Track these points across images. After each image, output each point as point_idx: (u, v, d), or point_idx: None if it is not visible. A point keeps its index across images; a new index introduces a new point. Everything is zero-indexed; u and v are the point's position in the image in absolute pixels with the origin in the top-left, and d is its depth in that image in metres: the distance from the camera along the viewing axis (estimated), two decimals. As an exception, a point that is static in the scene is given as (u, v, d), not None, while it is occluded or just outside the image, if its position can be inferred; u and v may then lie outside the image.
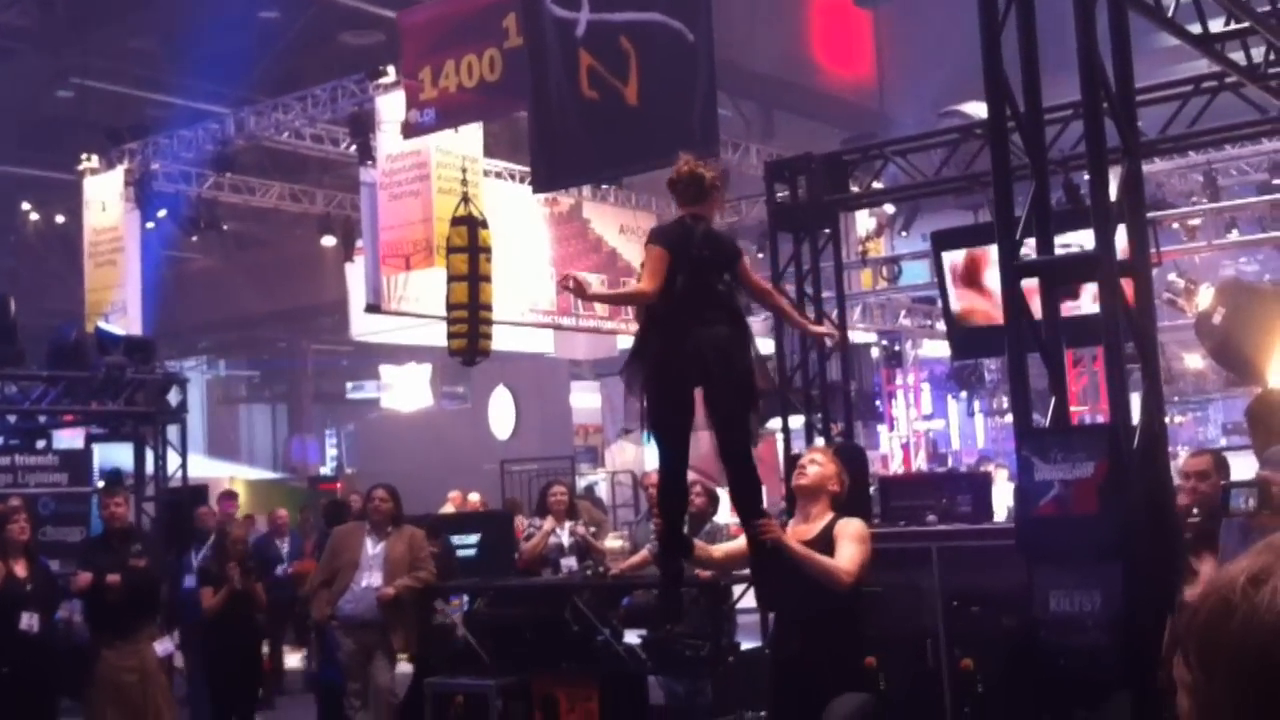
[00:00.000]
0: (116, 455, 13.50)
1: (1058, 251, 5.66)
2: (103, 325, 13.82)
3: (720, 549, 6.26)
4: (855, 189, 10.77)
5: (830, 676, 5.43)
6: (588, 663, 8.86)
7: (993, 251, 9.80)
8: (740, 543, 6.21)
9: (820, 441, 9.53)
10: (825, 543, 5.52)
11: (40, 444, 13.08)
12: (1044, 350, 5.49)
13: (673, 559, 5.88)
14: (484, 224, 13.34)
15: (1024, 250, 5.64)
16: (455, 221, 13.27)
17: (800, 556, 5.44)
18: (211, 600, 8.88)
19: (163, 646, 8.72)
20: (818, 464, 5.80)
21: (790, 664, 5.62)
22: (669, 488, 5.76)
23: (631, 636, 9.01)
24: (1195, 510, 6.09)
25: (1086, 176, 6.60)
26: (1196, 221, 15.13)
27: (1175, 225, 15.08)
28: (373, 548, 9.04)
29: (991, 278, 9.93)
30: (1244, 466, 7.41)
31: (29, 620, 8.07)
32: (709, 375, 5.45)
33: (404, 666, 9.38)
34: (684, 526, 5.96)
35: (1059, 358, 5.54)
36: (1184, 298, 16.59)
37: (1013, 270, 5.55)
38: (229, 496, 14.75)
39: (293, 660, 13.95)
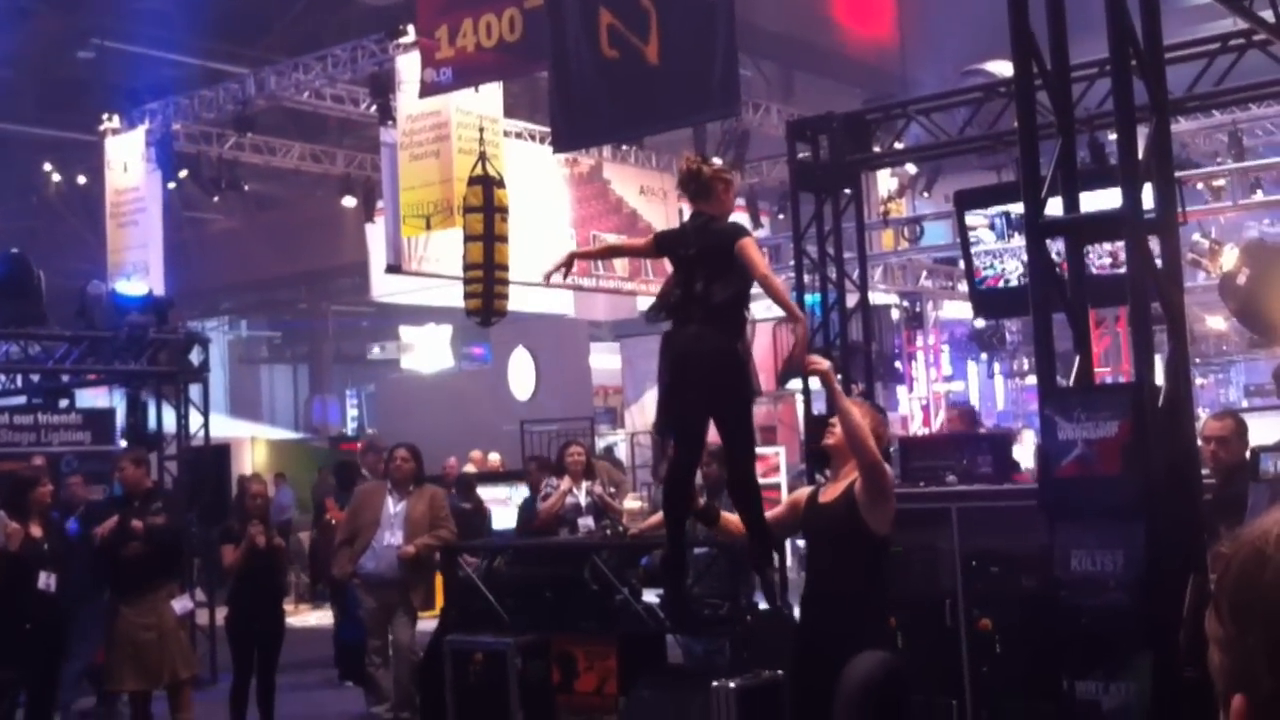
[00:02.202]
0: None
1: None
2: (119, 286, 13.84)
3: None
4: (877, 149, 10.69)
5: (854, 644, 5.18)
6: (606, 622, 8.87)
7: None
8: (773, 512, 6.18)
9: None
10: (848, 499, 5.31)
11: (63, 403, 13.15)
12: (1069, 309, 5.45)
13: (675, 577, 6.00)
14: (500, 183, 13.28)
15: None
16: (472, 181, 13.23)
17: (842, 407, 5.33)
18: (232, 558, 8.87)
19: (181, 605, 8.76)
20: None
21: (813, 630, 5.47)
22: (670, 488, 5.81)
23: (650, 596, 9.02)
24: (1211, 474, 6.07)
25: (1112, 136, 6.55)
26: (1221, 182, 15.01)
27: (1200, 185, 14.96)
28: (394, 506, 9.08)
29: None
30: (1266, 427, 7.38)
31: (46, 579, 8.14)
32: (683, 378, 5.50)
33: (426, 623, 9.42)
34: (685, 539, 6.02)
35: (1083, 317, 5.50)
36: (1208, 258, 16.48)
37: (1038, 228, 5.50)
38: (373, 450, 14.30)
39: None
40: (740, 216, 20.12)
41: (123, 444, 12.39)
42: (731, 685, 7.21)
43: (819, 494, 5.56)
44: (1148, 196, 5.39)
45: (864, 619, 5.29)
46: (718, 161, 5.99)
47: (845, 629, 5.24)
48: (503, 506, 12.84)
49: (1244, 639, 1.12)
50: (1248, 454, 6.14)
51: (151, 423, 12.42)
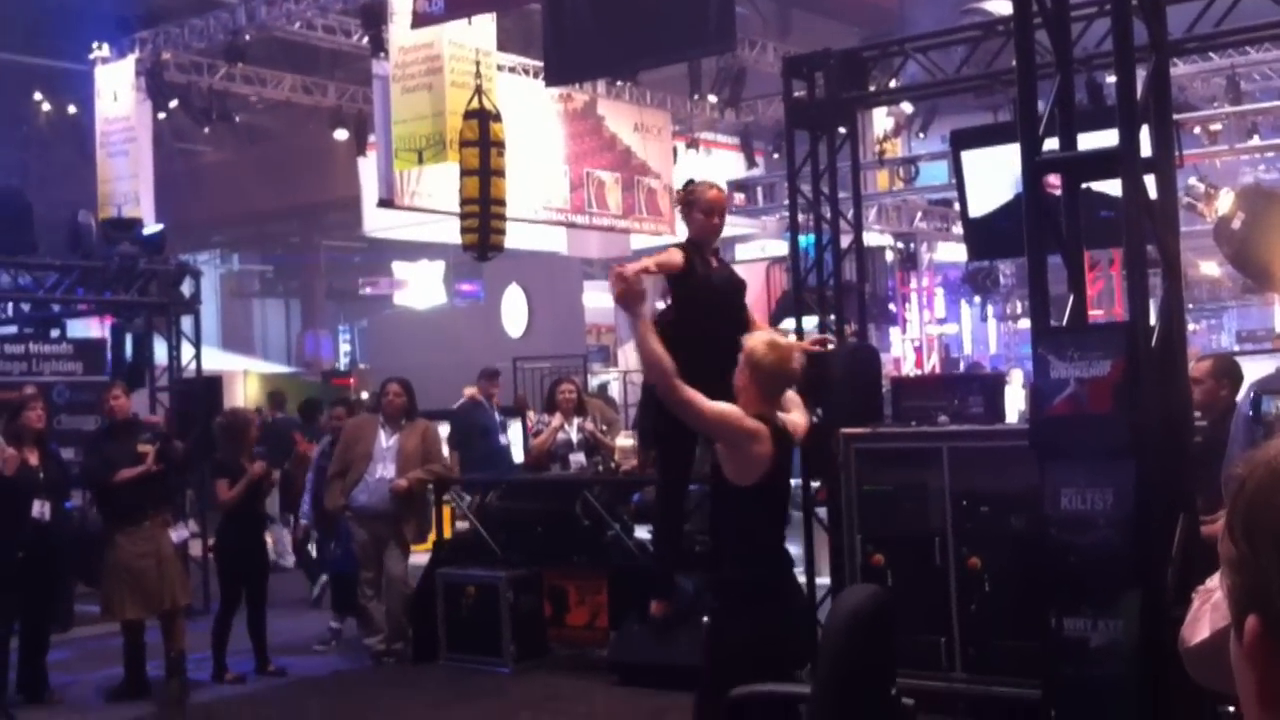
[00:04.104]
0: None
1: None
2: (112, 217, 13.76)
3: None
4: (873, 88, 10.60)
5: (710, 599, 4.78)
6: (598, 557, 8.96)
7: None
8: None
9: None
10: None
11: (55, 333, 13.12)
12: (1064, 249, 5.44)
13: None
14: (497, 117, 13.17)
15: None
16: (468, 115, 13.12)
17: (638, 332, 4.67)
18: (228, 493, 8.84)
19: (178, 534, 8.79)
20: None
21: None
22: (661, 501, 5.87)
23: (641, 532, 9.09)
24: (1200, 415, 6.10)
25: (1109, 77, 6.51)
26: (1218, 126, 14.95)
27: (1196, 129, 14.91)
28: (386, 440, 9.11)
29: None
30: (1257, 373, 7.38)
31: (41, 508, 8.16)
32: None
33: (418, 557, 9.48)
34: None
35: (1078, 256, 5.49)
36: (1203, 202, 16.44)
37: (1034, 167, 5.48)
38: (490, 375, 13.87)
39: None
40: (734, 156, 20.06)
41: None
42: (721, 620, 7.27)
43: None
44: (1145, 140, 5.37)
45: (715, 574, 4.86)
46: (695, 180, 6.06)
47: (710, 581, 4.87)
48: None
49: (1257, 559, 1.13)
50: (1238, 398, 6.14)
51: (129, 354, 12.28)
